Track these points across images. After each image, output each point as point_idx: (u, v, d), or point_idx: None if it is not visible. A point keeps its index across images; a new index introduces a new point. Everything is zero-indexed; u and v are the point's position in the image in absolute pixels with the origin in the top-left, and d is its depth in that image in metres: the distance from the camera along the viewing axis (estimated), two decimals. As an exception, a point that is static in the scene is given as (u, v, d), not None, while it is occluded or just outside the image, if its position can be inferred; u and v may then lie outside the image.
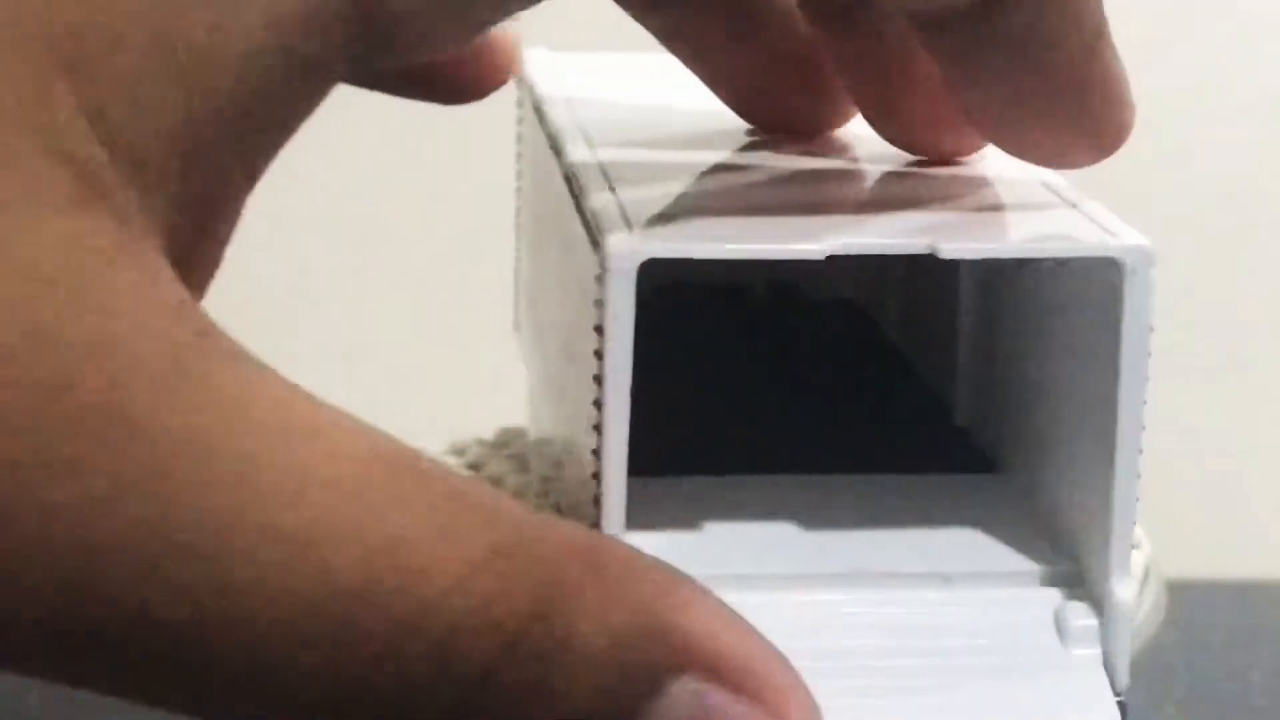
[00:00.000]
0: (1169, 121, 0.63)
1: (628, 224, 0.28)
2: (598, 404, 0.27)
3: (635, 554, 0.22)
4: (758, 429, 0.35)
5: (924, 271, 0.37)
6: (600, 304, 0.27)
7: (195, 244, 0.23)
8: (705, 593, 0.22)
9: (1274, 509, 0.66)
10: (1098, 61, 0.28)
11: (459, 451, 0.43)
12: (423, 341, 0.65)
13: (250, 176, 0.23)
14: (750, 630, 0.22)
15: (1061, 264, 0.29)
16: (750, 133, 0.34)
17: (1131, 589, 0.28)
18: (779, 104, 0.33)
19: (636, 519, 0.28)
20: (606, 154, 0.32)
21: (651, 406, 0.28)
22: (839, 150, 0.33)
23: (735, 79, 0.33)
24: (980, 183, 0.32)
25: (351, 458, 0.21)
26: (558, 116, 0.35)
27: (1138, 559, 0.39)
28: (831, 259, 0.27)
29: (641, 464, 0.28)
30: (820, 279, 0.40)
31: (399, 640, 0.20)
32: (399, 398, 0.64)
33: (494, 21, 0.26)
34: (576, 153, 0.32)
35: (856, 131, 0.34)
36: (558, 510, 0.37)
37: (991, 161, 0.33)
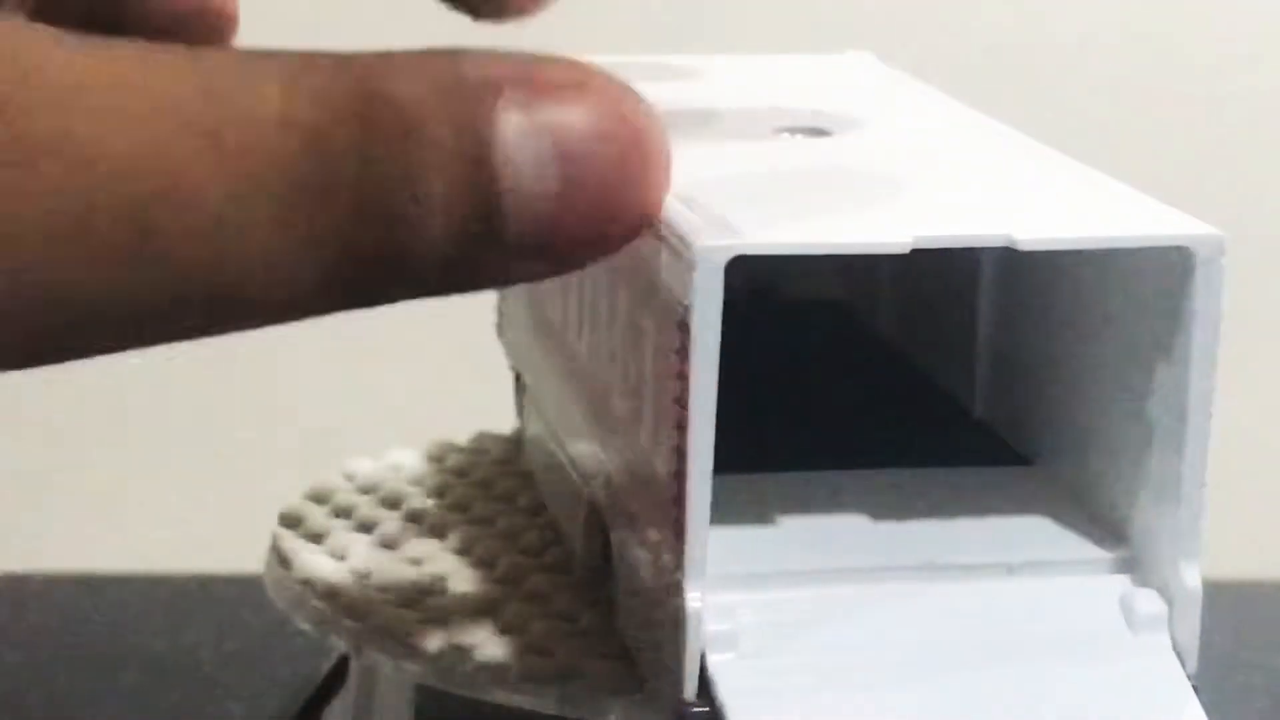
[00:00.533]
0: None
1: (704, 223, 0.27)
2: (679, 402, 0.27)
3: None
4: (784, 428, 0.34)
5: (922, 269, 0.37)
6: (687, 304, 0.27)
7: None
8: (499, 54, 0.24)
9: (1274, 509, 0.66)
10: None
11: (436, 458, 0.43)
12: (407, 345, 0.65)
13: None
14: (554, 58, 0.24)
15: (1125, 254, 0.29)
16: (776, 128, 0.34)
17: (1199, 576, 0.29)
18: None
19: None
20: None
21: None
22: (865, 138, 0.33)
23: None
24: (1038, 166, 0.32)
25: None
26: None
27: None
28: (818, 259, 0.27)
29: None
30: (803, 280, 0.40)
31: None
32: (383, 401, 0.64)
33: None
34: None
35: (879, 118, 0.34)
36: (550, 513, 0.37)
37: (1025, 143, 0.33)
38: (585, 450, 0.34)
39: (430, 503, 0.41)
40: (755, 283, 0.39)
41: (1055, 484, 0.32)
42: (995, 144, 0.33)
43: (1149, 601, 0.29)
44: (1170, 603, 0.29)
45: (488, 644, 0.33)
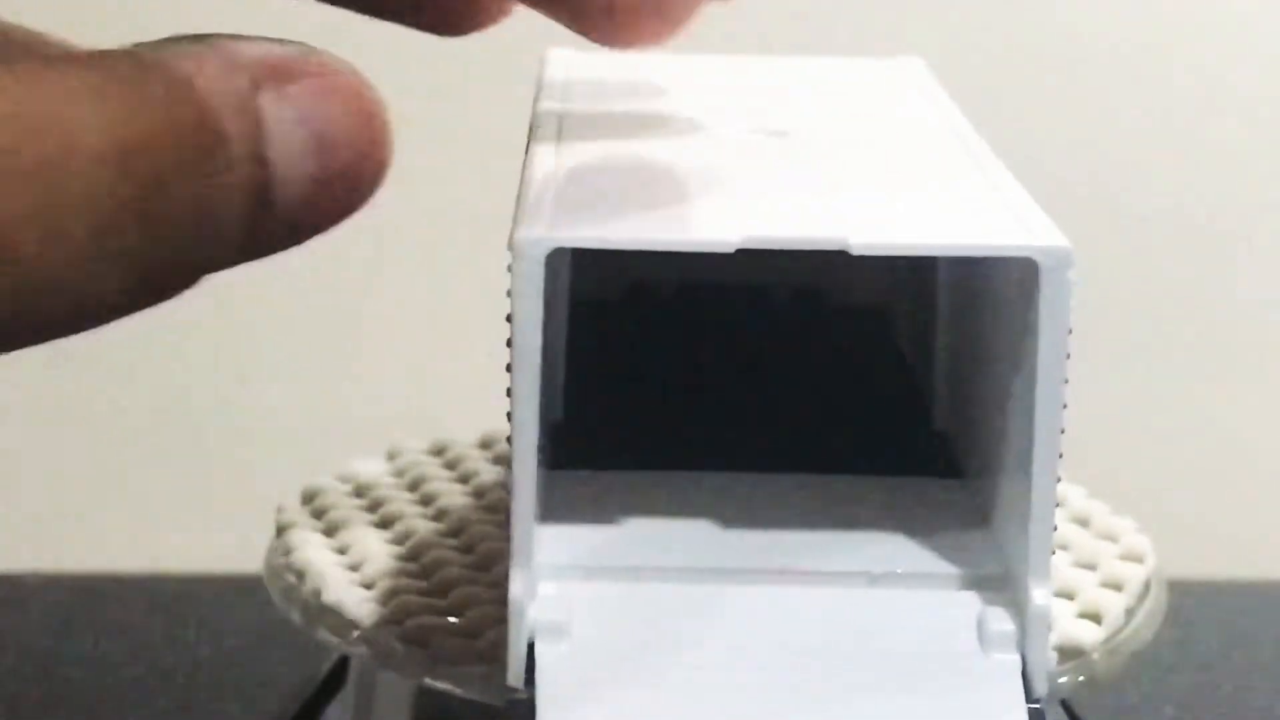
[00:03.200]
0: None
1: (546, 214, 0.28)
2: (509, 392, 0.27)
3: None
4: (734, 426, 0.34)
5: (919, 270, 0.37)
6: (511, 294, 0.27)
7: None
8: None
9: (1274, 509, 0.66)
10: None
11: (438, 451, 0.43)
12: (414, 339, 0.65)
13: None
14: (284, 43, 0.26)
15: (1000, 266, 0.29)
16: (744, 129, 0.34)
17: (1049, 595, 0.28)
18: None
19: (564, 511, 0.28)
20: (571, 146, 0.32)
21: (616, 402, 0.28)
22: (801, 141, 0.33)
23: None
24: (912, 162, 0.32)
25: None
26: (545, 109, 0.35)
27: (1140, 572, 0.39)
28: (846, 259, 0.27)
29: (593, 457, 0.28)
30: (840, 279, 0.40)
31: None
32: (389, 393, 0.64)
33: None
34: (540, 141, 0.32)
35: (840, 123, 0.34)
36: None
37: (921, 129, 0.32)
38: None
39: (433, 501, 0.41)
40: (754, 280, 0.39)
41: (972, 499, 0.31)
42: (940, 154, 0.33)
43: (1000, 620, 0.28)
44: (1022, 622, 0.28)
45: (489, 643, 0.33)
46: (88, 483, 0.64)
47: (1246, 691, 0.55)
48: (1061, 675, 0.35)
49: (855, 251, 0.27)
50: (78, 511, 0.64)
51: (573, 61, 0.38)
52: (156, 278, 0.25)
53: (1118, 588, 0.38)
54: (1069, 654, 0.35)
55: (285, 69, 0.25)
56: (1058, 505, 0.41)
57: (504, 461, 0.38)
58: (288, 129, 0.25)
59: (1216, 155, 0.64)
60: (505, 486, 0.28)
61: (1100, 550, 0.39)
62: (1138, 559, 0.39)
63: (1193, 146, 0.64)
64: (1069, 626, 0.36)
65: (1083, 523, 0.41)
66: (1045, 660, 0.28)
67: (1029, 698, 0.28)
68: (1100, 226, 0.62)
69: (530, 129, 0.34)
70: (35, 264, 0.23)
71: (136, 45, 0.25)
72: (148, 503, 0.65)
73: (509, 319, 0.27)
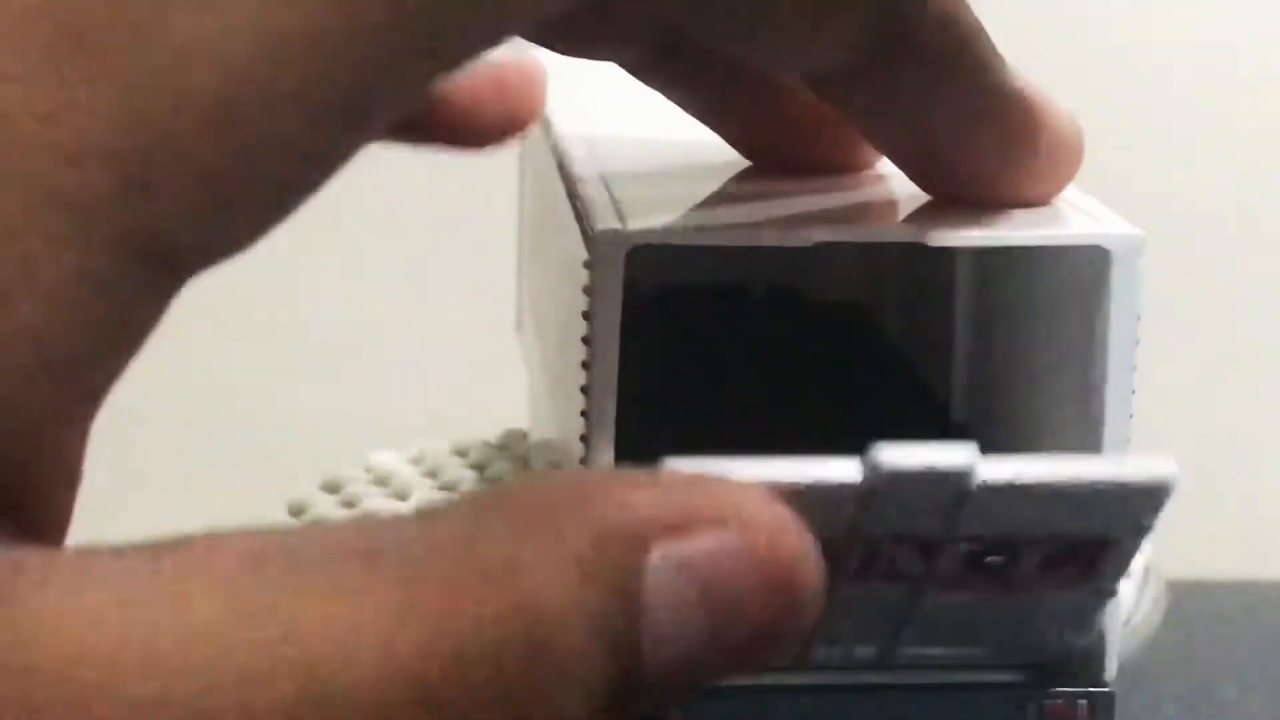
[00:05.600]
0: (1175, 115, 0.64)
1: (619, 215, 0.28)
2: (585, 390, 0.27)
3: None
4: (750, 424, 0.35)
5: (921, 269, 0.37)
6: (589, 290, 0.27)
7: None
8: (619, 476, 0.21)
9: (1274, 509, 0.66)
10: (1004, 96, 0.28)
11: (461, 452, 0.43)
12: (426, 341, 0.65)
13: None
14: (685, 479, 0.21)
15: (1052, 253, 0.29)
16: None
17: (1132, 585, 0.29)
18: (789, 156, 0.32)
19: None
20: (605, 152, 0.32)
21: (645, 401, 0.28)
22: None
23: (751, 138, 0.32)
24: None
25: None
26: (562, 117, 0.35)
27: (1138, 560, 0.39)
28: (832, 260, 0.28)
29: (628, 456, 0.28)
30: (821, 280, 0.40)
31: None
32: (403, 397, 0.64)
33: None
34: (575, 151, 0.32)
35: None
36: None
37: None
38: (554, 443, 0.34)
39: (442, 495, 0.41)
40: (774, 280, 0.39)
41: None
42: None
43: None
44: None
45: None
46: (88, 483, 0.64)
47: (1246, 691, 0.55)
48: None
49: (933, 245, 0.27)
50: (78, 512, 0.64)
51: (570, 69, 0.38)
52: None
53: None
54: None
55: (683, 518, 0.20)
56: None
57: (551, 463, 0.38)
58: (668, 582, 0.20)
59: (1217, 155, 0.64)
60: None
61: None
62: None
63: (1194, 147, 0.64)
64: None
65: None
66: (1115, 643, 0.29)
67: (1097, 682, 0.29)
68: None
69: (544, 125, 0.34)
70: None
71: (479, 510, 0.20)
72: (148, 503, 0.65)
73: (585, 315, 0.27)
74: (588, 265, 0.27)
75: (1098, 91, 0.63)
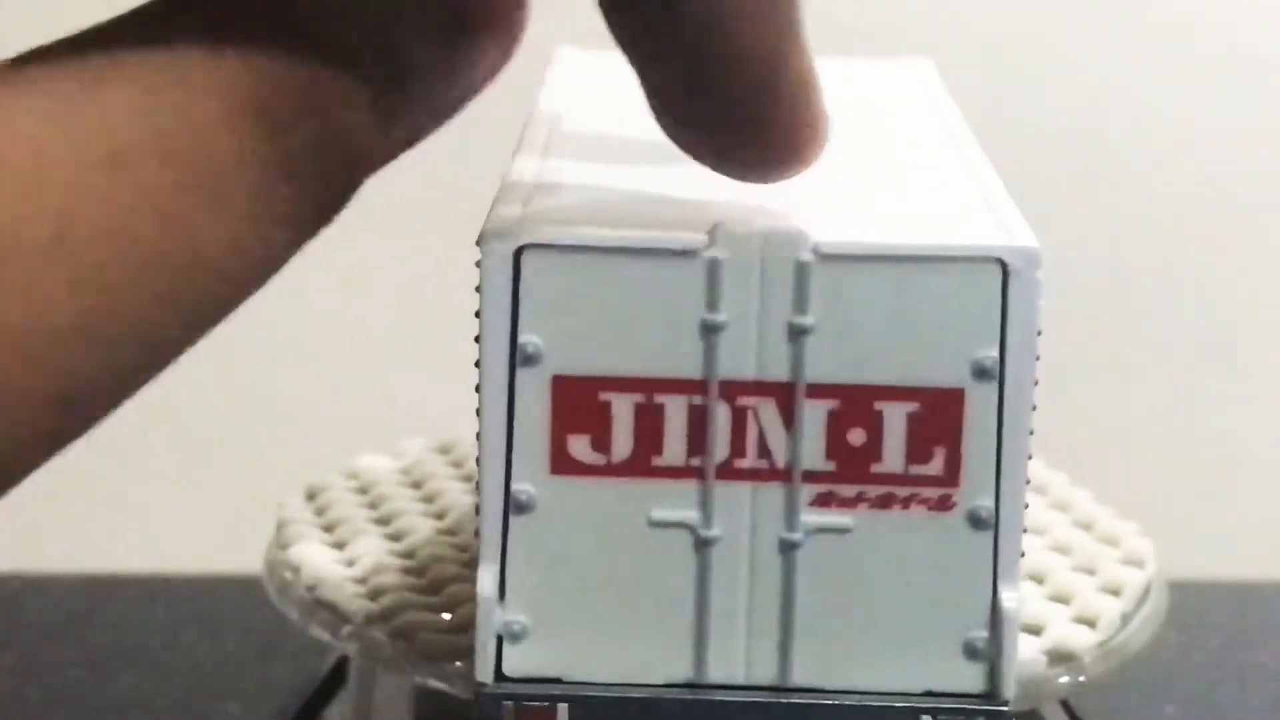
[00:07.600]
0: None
1: (519, 218, 0.28)
2: (478, 388, 0.28)
3: None
4: None
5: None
6: (479, 289, 0.27)
7: None
8: None
9: (1273, 509, 0.66)
10: (781, 63, 0.26)
11: (398, 455, 0.43)
12: (408, 339, 0.65)
13: None
14: None
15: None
16: None
17: (1018, 599, 0.28)
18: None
19: None
20: (562, 149, 0.32)
21: None
22: None
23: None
24: (899, 164, 0.32)
25: None
26: (546, 108, 0.35)
27: (1140, 577, 0.39)
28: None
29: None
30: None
31: None
32: (385, 395, 0.64)
33: None
34: (530, 145, 0.32)
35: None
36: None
37: (915, 131, 0.32)
38: None
39: (433, 498, 0.41)
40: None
41: None
42: (930, 156, 0.33)
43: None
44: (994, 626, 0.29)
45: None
46: (89, 483, 0.64)
47: (1246, 691, 0.55)
48: (1056, 677, 0.35)
49: (826, 252, 0.27)
50: (78, 512, 0.64)
51: (579, 61, 0.38)
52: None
53: (1116, 592, 0.38)
54: (1061, 658, 0.35)
55: None
56: (1062, 510, 0.41)
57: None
58: None
59: (1217, 156, 0.64)
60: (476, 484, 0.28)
61: (1101, 554, 0.39)
62: (1138, 563, 0.39)
63: (1195, 147, 0.64)
64: (1062, 631, 0.36)
65: (1086, 527, 0.41)
66: (1014, 664, 0.28)
67: (996, 700, 0.28)
68: (1103, 230, 0.62)
69: (524, 127, 0.34)
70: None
71: None
72: (148, 503, 0.65)
73: (477, 315, 0.28)
74: (477, 265, 0.27)
75: (1085, 93, 0.63)
